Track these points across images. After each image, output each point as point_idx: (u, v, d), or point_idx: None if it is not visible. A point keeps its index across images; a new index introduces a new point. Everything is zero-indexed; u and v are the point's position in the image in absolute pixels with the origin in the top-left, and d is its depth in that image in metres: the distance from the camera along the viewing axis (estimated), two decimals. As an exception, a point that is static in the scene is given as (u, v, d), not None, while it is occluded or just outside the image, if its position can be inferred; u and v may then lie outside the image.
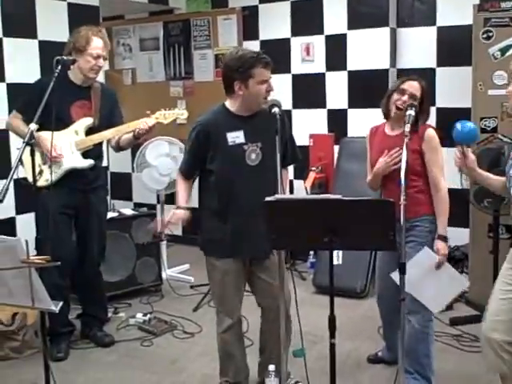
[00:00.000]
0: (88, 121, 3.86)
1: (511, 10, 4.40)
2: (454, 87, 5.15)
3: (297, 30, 5.85)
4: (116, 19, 6.93)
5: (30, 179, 3.55)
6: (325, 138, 5.71)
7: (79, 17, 5.05)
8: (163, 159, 5.27)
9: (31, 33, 4.86)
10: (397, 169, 3.15)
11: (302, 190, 5.56)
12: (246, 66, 2.90)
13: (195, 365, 3.82)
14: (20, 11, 4.75)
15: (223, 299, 3.16)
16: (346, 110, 5.66)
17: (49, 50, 4.76)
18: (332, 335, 2.58)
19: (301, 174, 5.60)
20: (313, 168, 5.52)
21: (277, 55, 5.82)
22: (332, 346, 2.57)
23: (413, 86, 3.26)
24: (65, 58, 3.36)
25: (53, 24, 4.98)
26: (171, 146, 5.26)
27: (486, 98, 4.51)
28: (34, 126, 2.87)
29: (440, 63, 5.28)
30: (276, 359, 3.03)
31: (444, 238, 3.19)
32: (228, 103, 3.07)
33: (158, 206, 5.80)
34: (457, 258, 4.85)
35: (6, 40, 4.67)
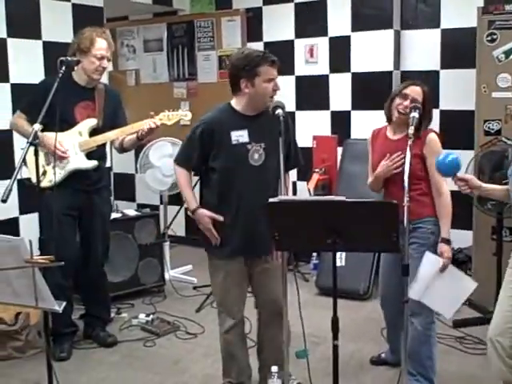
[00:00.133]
0: (92, 122, 3.86)
1: (515, 12, 4.41)
2: (457, 90, 5.15)
3: (301, 32, 5.85)
4: (120, 20, 6.94)
5: (34, 180, 3.57)
6: (328, 140, 5.71)
7: (83, 18, 5.07)
8: (166, 160, 5.27)
9: (35, 33, 4.86)
10: (398, 172, 3.18)
11: (305, 191, 5.56)
12: (252, 64, 2.91)
13: (198, 365, 3.82)
14: (24, 12, 4.76)
15: (225, 299, 3.16)
16: (350, 111, 5.66)
17: (53, 51, 4.76)
18: (335, 337, 2.58)
19: (304, 176, 5.60)
20: (316, 170, 5.52)
21: (280, 57, 5.73)
22: (335, 348, 2.58)
23: (415, 91, 3.27)
24: (69, 58, 3.39)
25: (57, 25, 4.99)
26: (174, 146, 5.26)
27: (489, 100, 4.51)
28: (37, 127, 2.88)
29: (444, 66, 5.28)
30: (274, 361, 3.03)
31: (447, 241, 3.19)
32: (234, 102, 3.08)
33: (161, 207, 5.81)
34: (460, 261, 4.83)
35: (10, 41, 4.68)
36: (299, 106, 5.92)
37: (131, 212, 5.20)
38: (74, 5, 5.14)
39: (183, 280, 5.45)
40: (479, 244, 4.60)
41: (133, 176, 6.96)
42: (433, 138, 3.25)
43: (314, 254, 5.55)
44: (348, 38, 5.59)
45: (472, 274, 4.67)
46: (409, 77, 5.35)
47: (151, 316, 4.47)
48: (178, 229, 6.15)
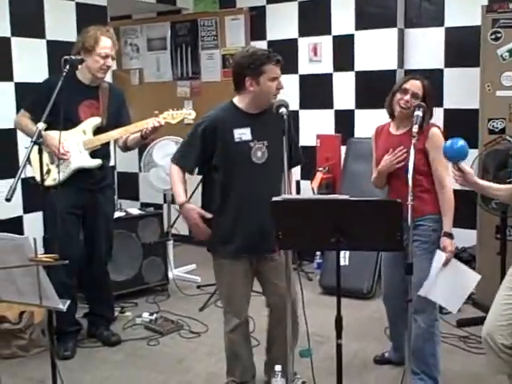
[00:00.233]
0: (96, 120, 3.87)
1: (520, 10, 4.39)
2: (461, 88, 5.13)
3: (304, 31, 5.84)
4: (124, 19, 6.94)
5: (38, 178, 3.57)
6: (332, 139, 5.71)
7: (87, 17, 5.07)
8: (170, 159, 5.26)
9: (39, 32, 4.87)
10: (401, 167, 3.21)
11: (308, 190, 5.56)
12: (257, 62, 2.92)
13: (201, 364, 3.82)
14: (28, 11, 4.77)
15: (231, 299, 3.16)
16: (353, 110, 5.65)
17: (57, 50, 4.77)
18: (339, 336, 2.57)
19: (308, 175, 5.59)
20: (320, 168, 5.51)
21: (284, 55, 5.77)
22: (339, 347, 2.57)
23: (415, 85, 3.27)
24: (73, 57, 3.38)
25: (61, 24, 4.99)
26: (178, 145, 5.25)
27: (494, 99, 4.50)
28: (41, 125, 2.89)
29: (448, 64, 5.27)
30: (282, 359, 3.02)
31: (450, 235, 3.19)
32: (237, 100, 3.08)
33: (165, 206, 5.81)
34: (464, 260, 4.80)
35: (14, 39, 4.69)
36: (303, 105, 5.91)
37: (135, 211, 5.21)
38: (77, 4, 5.14)
39: (187, 279, 5.45)
40: (483, 243, 4.59)
41: (136, 175, 6.96)
42: (435, 133, 3.24)
43: (318, 253, 5.54)
44: (352, 36, 5.58)
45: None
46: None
47: (155, 315, 4.48)
48: (182, 228, 6.13)
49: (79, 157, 3.84)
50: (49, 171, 3.80)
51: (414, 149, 2.86)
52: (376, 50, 5.46)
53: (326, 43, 5.73)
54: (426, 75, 4.99)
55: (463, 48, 5.14)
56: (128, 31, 7.02)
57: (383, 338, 3.92)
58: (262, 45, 5.94)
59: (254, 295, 3.26)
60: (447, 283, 3.10)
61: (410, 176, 2.77)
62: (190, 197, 5.27)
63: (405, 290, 3.20)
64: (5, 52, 4.63)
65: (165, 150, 5.32)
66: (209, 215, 3.02)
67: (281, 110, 2.85)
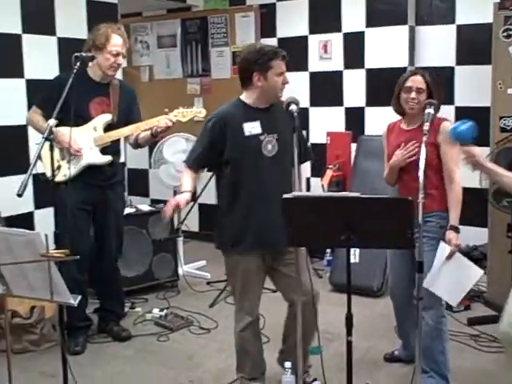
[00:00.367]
0: (107, 117, 3.88)
1: (532, 8, 4.36)
2: (473, 86, 5.12)
3: (315, 28, 5.83)
4: (134, 16, 6.95)
5: (49, 174, 3.60)
6: (342, 136, 5.69)
7: (97, 14, 5.09)
8: (180, 156, 5.26)
9: (50, 30, 4.89)
10: (412, 162, 3.21)
11: (318, 187, 5.56)
12: (265, 58, 2.96)
13: (211, 360, 3.83)
14: (39, 8, 4.79)
15: (245, 297, 3.14)
16: (364, 108, 5.64)
17: (67, 47, 4.80)
18: (349, 333, 2.57)
19: (318, 172, 5.59)
20: (330, 166, 5.50)
21: (294, 53, 5.87)
22: (349, 344, 2.57)
23: (416, 81, 3.26)
24: (83, 54, 3.39)
25: (71, 21, 5.02)
26: (188, 142, 5.26)
27: (505, 96, 4.47)
28: (52, 122, 2.91)
29: (459, 62, 5.25)
30: (295, 353, 3.01)
31: (456, 229, 3.18)
32: (244, 96, 3.10)
33: (175, 203, 5.81)
34: (475, 258, 4.80)
35: (25, 36, 4.71)
36: (313, 102, 5.90)
37: (145, 207, 5.22)
38: (88, 1, 5.17)
39: (197, 275, 5.46)
40: (494, 241, 4.57)
41: (147, 171, 6.98)
42: (447, 127, 3.23)
43: (328, 251, 5.53)
44: (362, 33, 5.57)
45: (487, 271, 4.64)
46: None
47: (165, 311, 4.49)
48: (192, 224, 6.16)
49: (90, 153, 3.85)
50: (59, 167, 3.80)
51: (426, 146, 2.85)
52: (386, 47, 5.45)
53: (336, 40, 5.72)
54: (436, 73, 5.04)
55: (475, 45, 5.12)
56: (138, 28, 7.03)
57: (393, 335, 3.90)
58: (272, 42, 5.94)
59: (264, 292, 3.26)
60: (450, 277, 3.10)
61: (420, 173, 2.76)
62: (199, 195, 5.31)
63: (411, 286, 3.25)
64: (16, 49, 4.66)
65: (175, 146, 5.33)
66: (182, 207, 3.02)
67: (291, 107, 2.86)
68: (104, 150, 3.91)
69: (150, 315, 4.47)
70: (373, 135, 5.40)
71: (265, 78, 2.97)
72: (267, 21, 6.10)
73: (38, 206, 4.77)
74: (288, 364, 3.08)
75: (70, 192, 3.59)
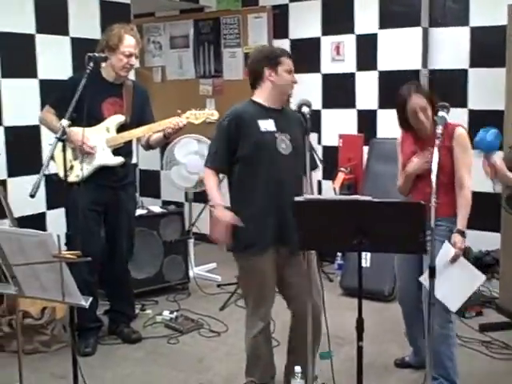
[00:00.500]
0: (119, 118, 3.88)
1: (548, 10, 4.32)
2: (486, 89, 5.07)
3: (327, 29, 5.81)
4: (147, 16, 6.96)
5: (61, 175, 3.61)
6: (354, 139, 5.67)
7: (111, 14, 5.10)
8: (192, 157, 5.28)
9: (63, 30, 4.91)
10: (429, 168, 3.16)
11: (330, 190, 5.53)
12: (274, 54, 3.08)
13: (222, 364, 3.82)
14: (52, 8, 4.81)
15: (260, 303, 3.11)
16: (376, 110, 5.61)
17: (80, 47, 4.82)
18: (360, 338, 2.56)
19: (329, 175, 5.57)
20: (342, 169, 5.48)
21: (307, 54, 5.87)
22: (359, 349, 2.56)
23: (417, 102, 3.25)
24: (96, 55, 3.40)
25: (84, 21, 5.03)
26: (200, 144, 5.27)
27: (520, 99, 4.43)
28: (65, 122, 2.92)
29: (473, 64, 5.20)
30: (303, 361, 3.00)
31: (462, 233, 3.17)
32: (255, 96, 3.12)
33: (186, 204, 5.82)
34: (488, 264, 4.77)
35: (38, 36, 4.73)
36: (325, 104, 5.88)
37: (156, 209, 5.23)
38: (101, 1, 5.18)
39: (207, 278, 5.45)
40: (507, 247, 4.52)
41: (158, 173, 6.98)
42: (461, 133, 3.25)
43: (339, 254, 5.51)
44: (375, 35, 5.54)
45: (499, 277, 4.61)
46: (437, 75, 5.31)
47: (175, 313, 4.49)
48: (203, 226, 6.14)
49: (102, 154, 3.86)
50: (72, 167, 3.82)
51: (438, 150, 2.84)
52: (399, 49, 5.41)
53: (349, 42, 5.69)
54: (449, 75, 5.02)
55: (488, 48, 5.07)
56: (151, 29, 7.04)
57: (404, 341, 3.88)
58: (284, 43, 5.93)
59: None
60: (451, 280, 3.08)
61: (433, 177, 2.75)
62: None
63: (419, 290, 3.32)
64: (29, 49, 4.68)
65: (187, 148, 5.33)
66: (240, 224, 2.97)
67: (303, 110, 2.89)
68: (116, 151, 3.91)
69: (160, 317, 4.47)
70: (385, 138, 5.38)
71: (276, 73, 3.04)
72: (280, 22, 6.09)
73: (50, 206, 4.79)
74: (298, 369, 3.07)
75: (82, 193, 3.59)
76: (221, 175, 3.18)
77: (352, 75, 5.70)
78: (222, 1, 6.52)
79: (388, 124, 5.42)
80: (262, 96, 3.09)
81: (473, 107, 5.17)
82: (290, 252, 3.07)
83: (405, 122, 3.34)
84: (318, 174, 5.66)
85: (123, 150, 3.94)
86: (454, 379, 3.28)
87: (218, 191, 3.07)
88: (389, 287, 4.82)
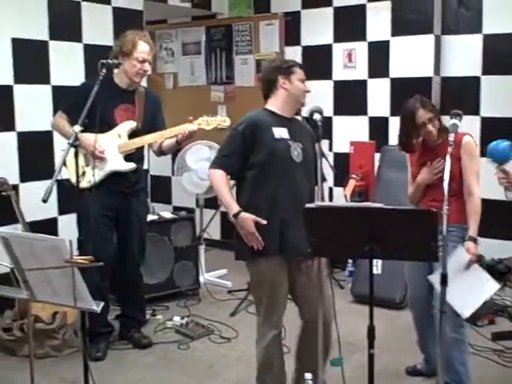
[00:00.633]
0: (131, 124, 3.90)
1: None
2: (499, 96, 5.05)
3: (339, 36, 5.81)
4: (159, 23, 7.00)
5: (73, 180, 3.62)
6: (366, 146, 5.67)
7: (123, 21, 5.13)
8: (203, 163, 5.28)
9: (76, 36, 4.94)
10: (439, 178, 3.25)
11: (341, 197, 5.52)
12: (287, 64, 3.14)
13: (232, 370, 3.82)
14: (66, 15, 4.84)
15: (272, 310, 3.10)
16: (388, 117, 5.60)
17: (93, 54, 4.85)
18: (371, 345, 2.55)
19: (341, 182, 5.56)
20: (353, 175, 5.48)
21: (319, 61, 5.87)
22: (371, 357, 2.55)
23: (423, 116, 3.31)
24: (109, 61, 3.41)
25: (97, 28, 5.06)
26: (211, 150, 5.27)
27: (532, 107, 4.41)
28: (78, 128, 2.93)
29: (485, 71, 5.18)
30: (313, 368, 2.99)
31: (474, 240, 3.20)
32: (269, 105, 3.14)
33: (197, 210, 5.83)
34: (500, 271, 4.74)
35: (51, 43, 4.76)
36: (337, 111, 5.88)
37: (167, 214, 5.24)
38: (114, 8, 5.20)
39: (218, 284, 5.45)
40: (520, 254, 4.51)
41: (169, 179, 7.00)
42: (469, 141, 3.30)
43: (350, 261, 5.50)
44: (387, 42, 5.53)
45: (512, 285, 4.58)
46: (449, 83, 5.30)
47: (186, 319, 4.49)
48: (214, 232, 6.16)
49: (114, 160, 3.87)
50: (84, 173, 3.84)
51: (451, 158, 2.84)
52: (412, 56, 5.40)
53: (361, 49, 5.69)
54: (462, 83, 5.01)
55: (501, 55, 5.06)
56: (163, 35, 7.08)
57: (415, 348, 3.85)
58: (296, 50, 5.96)
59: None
60: (464, 286, 3.08)
61: (445, 185, 2.74)
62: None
63: (430, 296, 3.36)
64: (42, 55, 4.71)
65: (198, 154, 5.35)
66: (263, 221, 2.95)
67: (315, 116, 2.93)
68: (128, 157, 3.93)
69: (170, 323, 4.47)
70: (396, 145, 5.34)
71: (289, 81, 3.08)
72: (292, 29, 6.10)
73: (61, 211, 4.80)
74: (308, 375, 3.05)
75: (93, 198, 3.61)
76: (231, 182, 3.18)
77: (364, 82, 5.70)
78: (234, 8, 6.55)
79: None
80: (275, 105, 3.11)
81: (485, 115, 5.15)
82: (301, 259, 3.06)
83: (410, 141, 3.40)
84: (329, 181, 5.65)
85: (135, 155, 3.96)
86: None
87: (232, 196, 3.06)
88: (400, 295, 4.80)
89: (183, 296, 5.10)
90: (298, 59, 5.60)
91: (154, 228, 4.86)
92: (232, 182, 3.24)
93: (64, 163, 2.94)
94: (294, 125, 3.12)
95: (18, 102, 4.58)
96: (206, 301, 5.07)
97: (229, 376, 3.74)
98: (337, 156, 5.86)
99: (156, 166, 6.27)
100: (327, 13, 5.86)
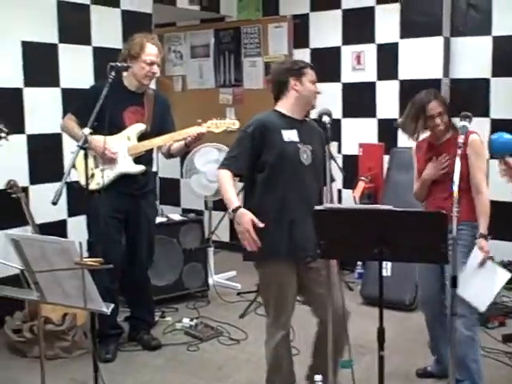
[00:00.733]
0: (141, 127, 3.91)
1: None
2: (509, 98, 5.04)
3: (348, 39, 5.81)
4: (168, 26, 7.01)
5: (83, 182, 3.63)
6: (374, 148, 5.66)
7: (132, 24, 5.15)
8: (212, 166, 5.29)
9: (85, 39, 4.96)
10: (444, 174, 3.31)
11: (350, 199, 5.52)
12: (298, 66, 3.12)
13: (241, 372, 3.82)
14: (75, 18, 4.86)
15: (281, 311, 3.10)
16: (397, 119, 5.56)
17: (102, 57, 4.86)
18: (381, 347, 2.54)
19: (350, 184, 5.55)
20: (362, 178, 5.47)
21: (327, 63, 5.87)
22: (381, 359, 2.54)
23: (435, 108, 3.33)
24: (118, 64, 3.44)
25: (106, 31, 5.08)
26: (220, 152, 5.28)
27: (542, 109, 4.40)
28: (87, 131, 2.94)
29: (495, 73, 5.17)
30: (325, 368, 2.98)
31: (485, 237, 3.22)
32: (279, 106, 3.13)
33: (206, 212, 5.83)
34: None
35: (61, 46, 4.78)
36: (346, 113, 5.88)
37: (176, 217, 5.25)
38: (123, 11, 5.22)
39: (227, 286, 5.46)
40: (530, 256, 4.49)
41: (178, 181, 7.02)
42: (475, 139, 3.31)
43: (359, 263, 5.49)
44: (396, 44, 5.53)
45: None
46: (458, 85, 5.28)
47: (195, 321, 4.50)
48: (223, 234, 6.16)
49: (123, 162, 3.89)
50: (93, 175, 3.85)
51: (453, 155, 2.87)
52: (421, 58, 5.40)
53: (369, 51, 5.69)
54: (471, 85, 4.99)
55: (511, 57, 5.04)
56: (172, 38, 7.10)
57: (426, 350, 3.84)
58: (305, 53, 5.95)
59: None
60: (479, 281, 3.11)
61: (455, 187, 2.73)
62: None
63: (442, 295, 3.38)
64: (52, 58, 4.73)
65: (207, 156, 5.35)
66: (261, 224, 2.90)
67: (324, 119, 2.92)
68: (137, 159, 3.94)
69: (179, 325, 4.48)
70: (406, 147, 5.31)
71: (300, 83, 3.07)
72: (300, 31, 6.10)
73: (70, 213, 4.82)
74: (318, 377, 3.05)
75: (103, 200, 3.62)
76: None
77: (373, 84, 5.69)
78: (243, 10, 6.56)
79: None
80: (285, 106, 3.11)
81: (495, 116, 5.14)
82: (311, 260, 3.06)
83: (415, 127, 3.40)
84: (338, 183, 5.65)
85: (144, 158, 3.97)
86: (479, 382, 3.28)
87: (234, 193, 2.99)
88: (410, 296, 4.79)
89: (192, 298, 5.10)
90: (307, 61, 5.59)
91: (162, 230, 4.88)
92: (239, 185, 3.25)
93: (73, 165, 2.95)
94: (304, 127, 3.12)
95: (28, 105, 4.60)
96: (215, 303, 5.07)
97: (238, 378, 3.74)
98: (346, 158, 5.85)
99: (165, 168, 6.30)
100: (336, 15, 5.86)
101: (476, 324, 3.34)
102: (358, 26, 5.73)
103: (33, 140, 4.62)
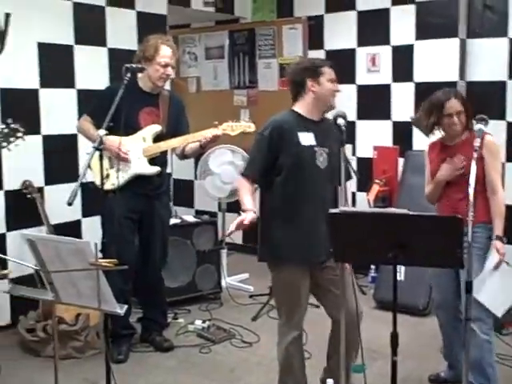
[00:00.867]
0: (156, 128, 3.91)
1: None
2: (525, 101, 4.99)
3: (363, 40, 5.78)
4: (182, 28, 7.02)
5: (98, 183, 3.65)
6: (389, 151, 5.63)
7: (147, 25, 5.16)
8: (226, 167, 5.30)
9: (101, 41, 4.98)
10: (459, 175, 3.28)
11: (364, 202, 5.49)
12: (315, 65, 3.10)
13: (253, 374, 3.81)
14: (91, 20, 4.88)
15: (294, 312, 3.10)
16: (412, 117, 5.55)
17: (117, 58, 4.88)
18: (394, 352, 2.52)
19: (364, 187, 5.53)
20: (376, 181, 5.44)
21: (342, 65, 5.81)
22: (394, 364, 2.52)
23: (454, 106, 3.31)
24: (133, 65, 3.46)
25: (122, 32, 5.09)
26: (234, 154, 5.28)
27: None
28: (102, 132, 2.96)
29: (512, 76, 5.13)
30: (338, 371, 2.97)
31: (501, 239, 3.19)
32: (297, 107, 3.12)
33: (220, 214, 5.83)
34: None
35: (77, 47, 4.80)
36: (360, 116, 5.85)
37: (190, 218, 5.25)
38: (138, 13, 5.23)
39: (240, 288, 5.45)
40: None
41: (192, 182, 7.02)
42: (490, 140, 3.28)
43: (373, 267, 5.46)
44: (411, 46, 5.49)
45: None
46: (474, 87, 5.24)
47: (207, 323, 4.50)
48: (236, 236, 6.14)
49: (138, 163, 3.90)
50: (108, 176, 3.86)
51: (469, 159, 2.84)
52: (436, 60, 5.35)
53: (384, 53, 5.66)
54: (487, 87, 4.94)
55: (528, 59, 5.00)
56: (186, 40, 7.10)
57: (439, 356, 3.81)
58: (319, 54, 5.93)
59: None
60: (495, 285, 3.09)
61: (471, 191, 2.72)
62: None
63: (457, 299, 3.38)
64: (68, 59, 4.76)
65: (221, 158, 5.35)
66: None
67: (339, 121, 2.89)
68: (152, 161, 3.95)
69: (192, 326, 4.48)
70: (421, 150, 5.26)
71: (318, 83, 3.04)
72: (315, 33, 6.08)
73: (85, 214, 4.84)
74: (330, 381, 3.04)
75: (118, 201, 3.63)
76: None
77: (388, 87, 5.67)
78: (257, 12, 6.55)
79: (424, 136, 5.35)
80: (303, 107, 3.10)
81: (511, 119, 5.09)
82: (324, 268, 3.07)
83: (430, 122, 3.38)
84: (352, 186, 5.63)
85: (159, 159, 3.98)
86: None
87: (249, 197, 3.01)
88: (423, 301, 4.75)
89: (205, 300, 5.10)
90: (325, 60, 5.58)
91: (176, 232, 4.88)
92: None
93: (89, 166, 2.96)
94: (321, 128, 3.09)
95: (44, 106, 4.63)
96: (227, 305, 5.07)
97: (249, 380, 3.74)
98: (360, 161, 5.82)
99: (179, 169, 6.29)
100: (351, 16, 5.83)
101: (492, 328, 3.31)
102: (373, 28, 5.70)
103: (48, 141, 4.65)
